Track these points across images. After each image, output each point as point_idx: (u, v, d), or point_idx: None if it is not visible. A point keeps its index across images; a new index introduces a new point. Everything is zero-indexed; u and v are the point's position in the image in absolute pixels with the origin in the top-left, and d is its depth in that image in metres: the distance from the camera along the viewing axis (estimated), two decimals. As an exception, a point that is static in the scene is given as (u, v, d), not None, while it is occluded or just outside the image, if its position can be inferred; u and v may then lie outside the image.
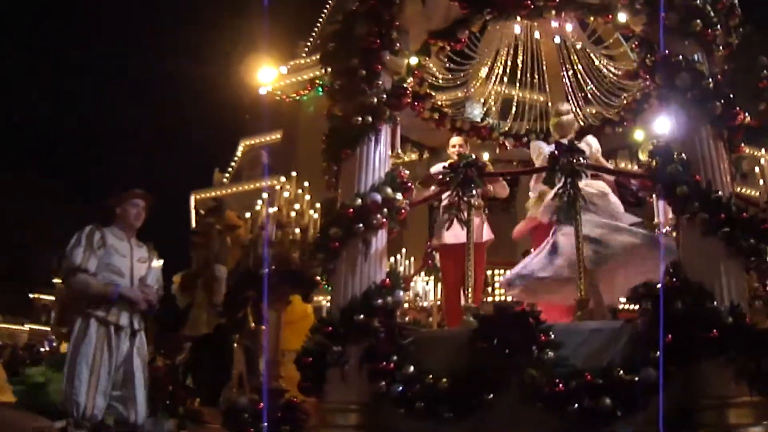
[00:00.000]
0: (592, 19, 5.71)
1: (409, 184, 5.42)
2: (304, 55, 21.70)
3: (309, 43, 22.17)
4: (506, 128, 7.67)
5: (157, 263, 5.12)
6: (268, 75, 19.71)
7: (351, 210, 5.11)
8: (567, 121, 6.10)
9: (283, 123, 21.28)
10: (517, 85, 7.42)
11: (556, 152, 4.90)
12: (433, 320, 7.28)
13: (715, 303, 4.27)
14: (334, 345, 4.87)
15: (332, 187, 5.83)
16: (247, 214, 5.78)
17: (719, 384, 4.23)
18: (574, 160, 4.82)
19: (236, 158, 23.42)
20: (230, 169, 23.15)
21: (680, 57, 4.72)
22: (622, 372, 4.21)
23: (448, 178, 5.12)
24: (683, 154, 4.58)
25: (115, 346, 4.86)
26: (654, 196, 6.69)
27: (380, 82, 5.49)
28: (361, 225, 5.12)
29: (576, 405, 4.14)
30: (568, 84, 7.10)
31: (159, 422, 5.96)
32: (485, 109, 7.59)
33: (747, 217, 4.41)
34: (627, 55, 6.62)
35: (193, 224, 22.79)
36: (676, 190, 4.50)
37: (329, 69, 5.80)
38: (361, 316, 4.86)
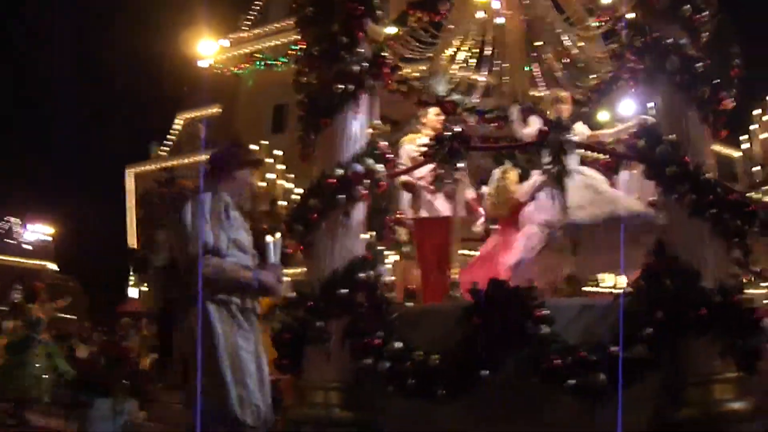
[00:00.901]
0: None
1: (390, 156, 5.07)
2: (245, 28, 20.84)
3: (251, 17, 21.28)
4: (471, 105, 7.38)
5: (278, 237, 3.85)
6: (208, 48, 18.89)
7: (333, 180, 4.73)
8: (565, 109, 5.83)
9: (222, 97, 20.44)
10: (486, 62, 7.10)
11: (545, 128, 4.67)
12: (396, 297, 6.97)
13: (703, 282, 4.16)
14: (316, 320, 4.52)
15: (307, 157, 5.41)
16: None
17: (705, 361, 4.15)
18: (563, 137, 4.61)
19: (174, 132, 22.35)
20: (168, 143, 22.08)
21: (670, 40, 4.57)
22: (614, 348, 4.05)
23: (433, 150, 4.80)
24: (672, 136, 4.44)
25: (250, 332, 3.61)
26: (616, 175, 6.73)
27: (361, 50, 5.10)
28: (342, 196, 4.76)
29: (572, 381, 3.96)
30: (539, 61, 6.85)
31: (118, 403, 5.44)
32: (452, 85, 7.26)
33: (733, 199, 4.31)
34: (598, 37, 6.45)
35: (130, 198, 21.73)
36: (666, 171, 4.35)
37: (307, 33, 5.31)
38: (345, 290, 4.52)
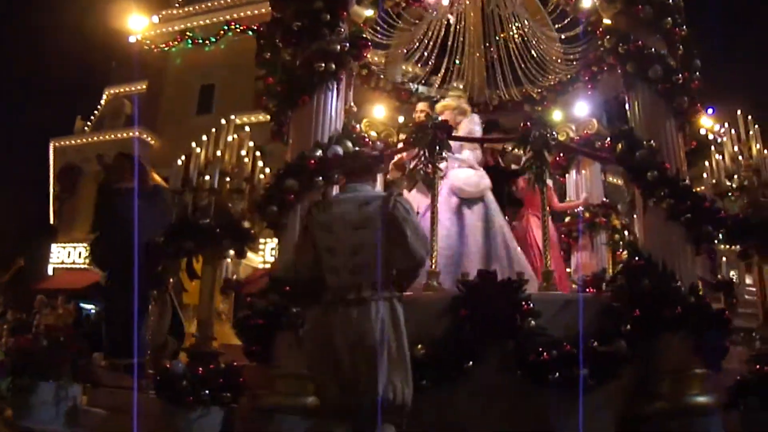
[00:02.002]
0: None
1: (366, 140, 4.73)
2: (177, 5, 19.64)
3: (182, -7, 20.09)
4: (426, 94, 7.11)
5: None
6: (138, 23, 17.66)
7: (312, 161, 4.33)
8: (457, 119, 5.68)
9: (149, 73, 19.18)
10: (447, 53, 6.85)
11: (528, 124, 4.47)
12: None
13: (677, 282, 4.12)
14: (291, 306, 4.11)
15: (278, 135, 4.96)
16: (182, 158, 4.70)
17: (676, 357, 4.09)
18: (547, 134, 4.42)
19: (99, 106, 20.78)
20: (92, 118, 20.50)
21: (653, 50, 4.50)
22: (596, 343, 3.93)
23: (414, 138, 4.49)
24: (652, 142, 4.37)
25: None
26: (567, 176, 6.68)
27: (342, 30, 4.71)
28: (320, 178, 4.37)
29: (557, 374, 3.79)
30: (495, 57, 6.67)
31: (62, 387, 4.79)
32: (410, 74, 6.98)
33: (707, 206, 4.29)
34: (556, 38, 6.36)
35: (53, 172, 20.06)
36: (647, 175, 4.28)
37: (284, 7, 4.85)
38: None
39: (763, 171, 4.48)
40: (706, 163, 4.76)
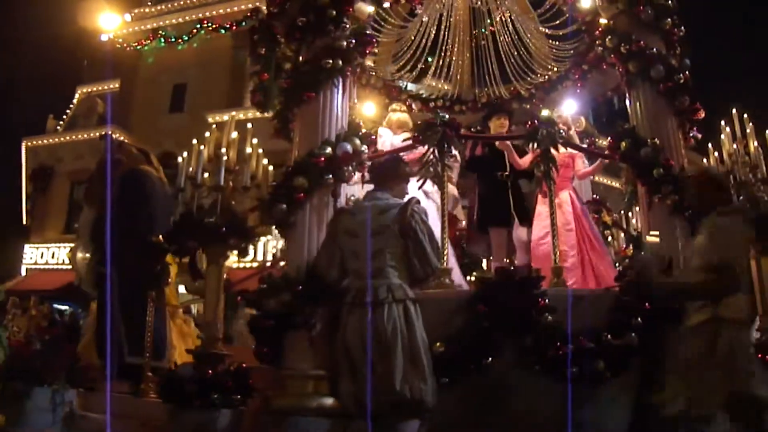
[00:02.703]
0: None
1: (373, 137, 4.57)
2: (149, 3, 19.04)
3: (155, -9, 19.47)
4: (415, 92, 6.96)
5: None
6: (110, 21, 17.05)
7: (321, 159, 4.15)
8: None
9: (122, 72, 18.54)
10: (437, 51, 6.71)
11: (536, 122, 4.38)
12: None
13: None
14: (304, 306, 3.94)
15: (282, 133, 4.76)
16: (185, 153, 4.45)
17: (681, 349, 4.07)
18: (554, 132, 4.34)
19: (72, 105, 19.98)
20: (65, 117, 19.70)
21: (654, 50, 4.47)
22: (609, 337, 3.87)
23: (425, 136, 4.33)
24: (656, 140, 4.34)
25: None
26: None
27: (347, 26, 4.53)
28: (330, 176, 4.20)
29: (574, 368, 3.71)
30: (484, 54, 6.56)
31: (58, 393, 4.50)
32: (401, 72, 6.80)
33: None
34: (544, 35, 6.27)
35: (25, 172, 19.23)
36: (653, 172, 4.26)
37: (291, 2, 4.64)
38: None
39: (761, 167, 4.48)
40: (704, 160, 4.75)
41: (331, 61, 4.32)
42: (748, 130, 4.63)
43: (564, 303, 3.98)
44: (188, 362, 4.35)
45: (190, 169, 4.42)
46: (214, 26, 18.80)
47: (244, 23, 18.71)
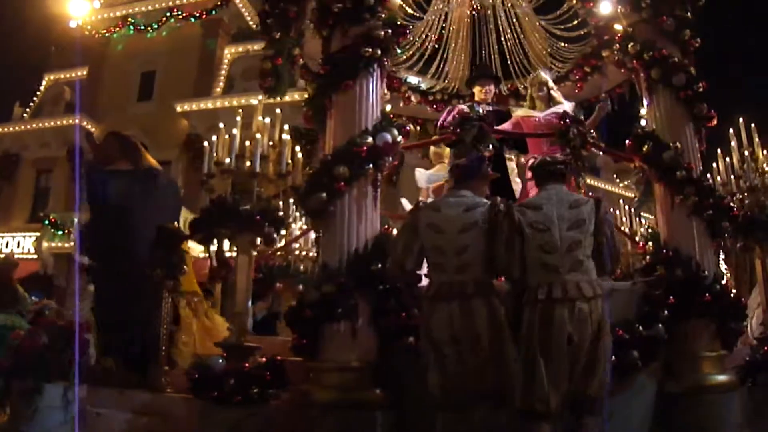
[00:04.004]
0: (575, 2, 5.09)
1: (408, 129, 4.36)
2: (119, -10, 18.09)
3: (125, -24, 18.48)
4: (416, 84, 6.77)
5: None
6: (79, 7, 16.10)
7: (364, 148, 3.92)
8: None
9: (90, 59, 17.53)
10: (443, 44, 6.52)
11: (567, 121, 4.28)
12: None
13: (705, 272, 4.12)
14: (346, 297, 3.71)
15: (314, 120, 4.48)
16: (214, 138, 4.09)
17: (702, 340, 4.10)
18: (587, 131, 4.25)
19: (39, 92, 18.74)
20: (31, 104, 18.46)
21: (676, 59, 4.46)
22: (641, 328, 3.83)
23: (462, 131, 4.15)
24: (677, 144, 4.32)
25: None
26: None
27: (382, 15, 4.30)
28: (371, 165, 3.97)
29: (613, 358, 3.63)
30: (485, 50, 6.43)
31: (71, 390, 4.10)
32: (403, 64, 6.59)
33: (726, 204, 4.32)
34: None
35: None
36: (676, 175, 4.24)
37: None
38: (379, 265, 3.76)
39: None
40: (714, 165, 4.78)
41: (370, 50, 4.08)
42: (756, 139, 4.69)
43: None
44: (215, 355, 4.04)
45: (214, 154, 4.11)
46: (183, 14, 18.09)
47: (214, 12, 18.07)
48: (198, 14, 18.08)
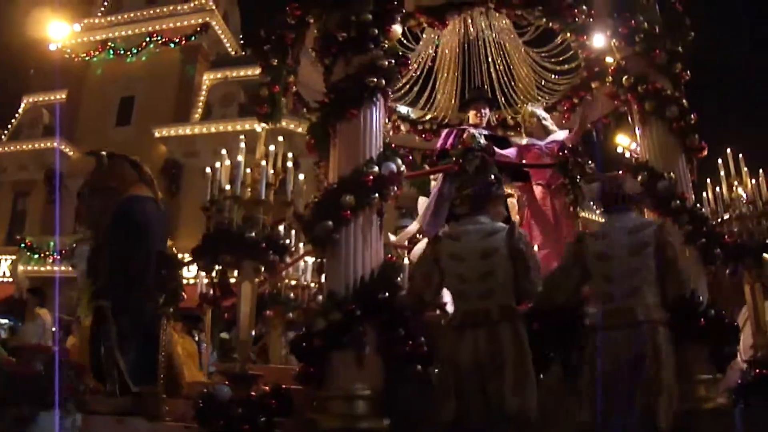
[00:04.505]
0: (569, 35, 5.20)
1: (410, 158, 4.37)
2: (99, 14, 17.88)
3: (105, 2, 18.30)
4: (405, 114, 6.80)
5: None
6: (59, 31, 15.90)
7: (370, 177, 3.91)
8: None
9: (69, 83, 17.24)
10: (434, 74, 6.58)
11: (566, 152, 4.34)
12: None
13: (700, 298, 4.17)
14: (355, 325, 3.65)
15: (317, 148, 4.46)
16: (219, 164, 4.01)
17: (697, 363, 4.11)
18: (584, 162, 4.31)
19: (17, 115, 18.28)
20: (9, 126, 17.98)
21: (668, 91, 4.58)
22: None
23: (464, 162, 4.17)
24: (672, 174, 4.42)
25: None
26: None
27: (385, 45, 4.33)
28: (376, 195, 3.95)
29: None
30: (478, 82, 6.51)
31: (66, 417, 3.93)
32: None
33: (718, 232, 4.42)
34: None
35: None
36: (671, 204, 4.32)
37: (328, 14, 4.37)
38: (386, 293, 3.72)
39: (757, 202, 4.69)
40: (703, 194, 4.90)
41: (375, 79, 4.09)
42: (744, 169, 4.83)
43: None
44: (219, 383, 3.93)
45: (216, 179, 4.05)
46: (163, 40, 18.01)
47: (193, 38, 18.02)
48: (177, 40, 18.02)
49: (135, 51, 17.63)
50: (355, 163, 4.01)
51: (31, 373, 4.11)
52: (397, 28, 4.51)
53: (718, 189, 4.83)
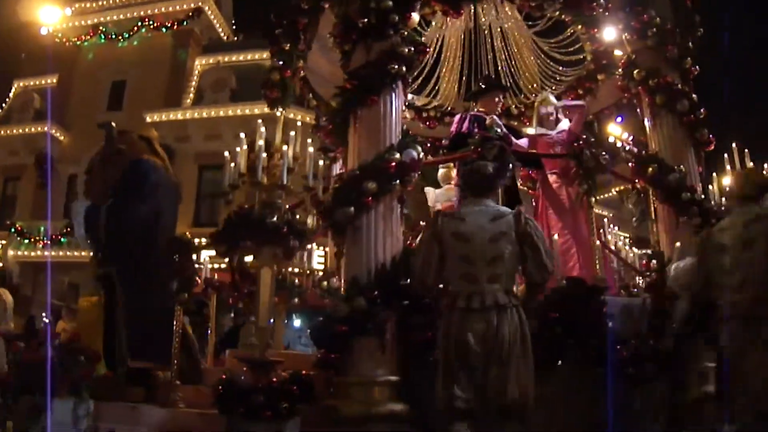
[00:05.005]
0: (580, 27, 5.16)
1: (428, 145, 4.32)
2: (90, -2, 17.45)
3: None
4: (410, 101, 6.70)
5: None
6: (50, 15, 15.46)
7: (392, 164, 3.85)
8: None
9: (60, 67, 16.81)
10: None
11: (580, 143, 4.32)
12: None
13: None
14: (378, 311, 3.61)
15: (334, 134, 4.38)
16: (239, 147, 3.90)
17: (703, 356, 4.15)
18: (599, 154, 4.29)
19: (8, 99, 17.78)
20: (0, 110, 17.49)
21: (679, 85, 4.58)
22: (653, 341, 3.89)
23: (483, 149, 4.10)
24: (681, 167, 4.42)
25: None
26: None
27: (404, 32, 4.25)
28: (397, 181, 3.90)
29: (630, 369, 3.68)
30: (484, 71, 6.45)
31: (80, 405, 3.83)
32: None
33: None
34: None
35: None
36: (681, 196, 4.35)
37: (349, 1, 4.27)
38: (407, 280, 3.68)
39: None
40: (709, 187, 4.92)
41: (396, 66, 4.02)
42: (750, 164, 4.85)
43: (614, 311, 3.97)
44: (236, 369, 3.86)
45: (232, 164, 3.94)
46: (155, 24, 17.61)
47: (185, 23, 17.66)
48: (169, 24, 17.64)
49: (126, 35, 17.24)
50: (376, 149, 3.96)
51: (37, 360, 3.99)
52: (415, 16, 4.43)
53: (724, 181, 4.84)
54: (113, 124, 4.86)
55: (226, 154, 4.08)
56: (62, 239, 15.43)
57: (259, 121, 4.15)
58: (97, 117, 17.04)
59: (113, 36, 17.16)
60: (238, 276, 4.00)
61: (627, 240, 6.68)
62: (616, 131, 7.33)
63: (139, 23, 17.46)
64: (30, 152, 16.39)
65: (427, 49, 4.59)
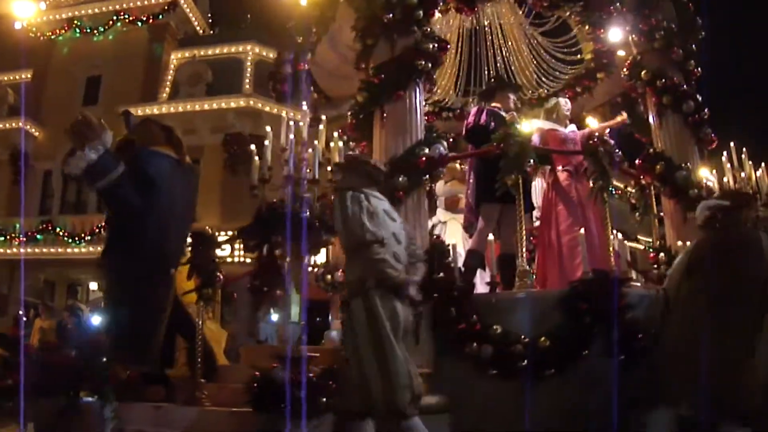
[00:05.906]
0: (587, 27, 5.19)
1: (451, 141, 4.29)
2: (65, -9, 16.71)
3: (72, -21, 17.10)
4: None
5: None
6: (25, 9, 14.72)
7: (423, 159, 3.79)
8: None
9: (34, 62, 16.08)
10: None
11: (595, 140, 4.33)
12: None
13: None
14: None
15: (360, 128, 4.27)
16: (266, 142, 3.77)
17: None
18: (611, 151, 4.32)
19: None
20: None
21: (684, 86, 4.65)
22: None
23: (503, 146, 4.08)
24: (688, 164, 4.50)
25: None
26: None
27: (428, 29, 4.19)
28: (427, 176, 3.85)
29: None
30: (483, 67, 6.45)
31: (106, 406, 3.65)
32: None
33: None
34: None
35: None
36: (688, 193, 4.41)
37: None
38: (441, 273, 3.64)
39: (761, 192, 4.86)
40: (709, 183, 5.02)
41: (423, 62, 3.96)
42: (749, 163, 4.99)
43: (634, 301, 4.01)
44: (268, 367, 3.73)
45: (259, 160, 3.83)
46: (130, 18, 17.01)
47: (161, 16, 17.12)
48: (145, 18, 17.06)
49: (102, 29, 16.59)
50: (403, 144, 3.90)
51: (66, 362, 3.78)
52: (437, 13, 4.38)
53: (725, 179, 4.97)
54: (131, 110, 4.61)
55: (252, 147, 3.96)
56: (38, 236, 14.83)
57: (283, 114, 4.03)
58: (72, 112, 16.44)
59: (88, 30, 16.50)
60: (265, 271, 3.88)
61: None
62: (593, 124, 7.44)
63: (115, 17, 16.84)
64: (5, 148, 15.66)
65: (448, 46, 4.51)
